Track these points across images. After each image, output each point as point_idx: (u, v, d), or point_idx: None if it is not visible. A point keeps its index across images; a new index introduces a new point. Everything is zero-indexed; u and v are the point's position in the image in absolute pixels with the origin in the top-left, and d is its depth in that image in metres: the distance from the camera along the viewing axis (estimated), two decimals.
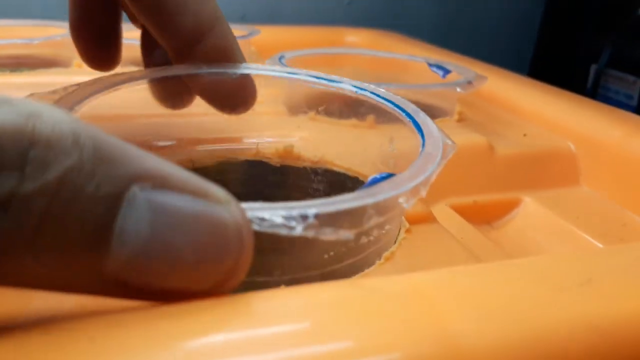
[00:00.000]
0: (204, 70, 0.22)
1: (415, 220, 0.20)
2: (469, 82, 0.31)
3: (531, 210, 0.28)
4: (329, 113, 0.30)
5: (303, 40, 0.53)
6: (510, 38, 0.70)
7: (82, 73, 0.39)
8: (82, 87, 0.20)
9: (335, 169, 0.24)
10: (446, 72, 0.35)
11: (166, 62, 0.22)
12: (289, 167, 0.25)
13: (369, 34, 0.53)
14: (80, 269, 0.10)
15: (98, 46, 0.24)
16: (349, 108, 0.29)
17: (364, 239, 0.17)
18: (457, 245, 0.20)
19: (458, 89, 0.30)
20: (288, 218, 0.13)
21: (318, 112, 0.30)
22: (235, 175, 0.25)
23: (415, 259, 0.18)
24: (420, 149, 0.19)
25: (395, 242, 0.18)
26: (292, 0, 0.60)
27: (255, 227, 0.13)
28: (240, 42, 0.43)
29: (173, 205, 0.11)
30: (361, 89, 0.23)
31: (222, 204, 0.12)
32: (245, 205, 0.13)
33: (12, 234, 0.09)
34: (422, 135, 0.20)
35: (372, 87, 0.23)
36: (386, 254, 0.18)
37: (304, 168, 0.25)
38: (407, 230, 0.19)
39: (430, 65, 0.36)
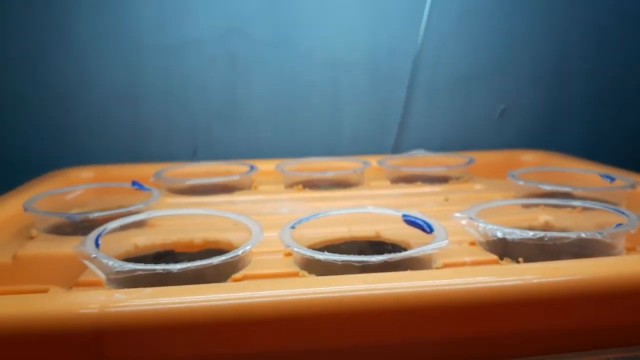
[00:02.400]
0: None
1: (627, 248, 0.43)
2: (632, 185, 0.55)
3: None
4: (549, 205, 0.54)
5: (494, 161, 0.79)
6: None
7: (365, 188, 0.67)
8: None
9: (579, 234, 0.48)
10: (612, 179, 0.59)
11: None
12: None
13: (539, 155, 0.79)
14: None
15: None
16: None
17: (614, 252, 0.41)
18: None
19: (621, 189, 0.54)
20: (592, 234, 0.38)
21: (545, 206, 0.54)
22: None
23: None
24: (627, 219, 0.43)
25: None
26: (476, 131, 0.88)
27: (598, 237, 0.38)
28: (465, 168, 0.69)
29: None
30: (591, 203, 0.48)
31: None
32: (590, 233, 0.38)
33: None
34: (626, 214, 0.44)
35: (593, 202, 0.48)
36: None
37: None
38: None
39: (601, 175, 0.60)
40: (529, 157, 0.79)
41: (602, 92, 0.90)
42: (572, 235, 0.39)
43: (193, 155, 0.83)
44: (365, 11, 0.82)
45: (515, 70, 0.87)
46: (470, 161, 0.71)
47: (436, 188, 0.66)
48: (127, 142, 0.82)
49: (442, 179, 0.70)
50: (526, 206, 0.56)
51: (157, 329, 0.30)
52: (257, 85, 0.83)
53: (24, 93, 0.80)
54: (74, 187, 0.62)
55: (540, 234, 0.39)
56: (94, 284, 0.39)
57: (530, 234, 0.39)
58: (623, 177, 0.59)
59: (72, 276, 0.42)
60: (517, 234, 0.40)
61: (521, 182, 0.57)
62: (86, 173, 0.74)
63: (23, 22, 0.77)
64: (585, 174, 0.64)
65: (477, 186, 0.67)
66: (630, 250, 0.44)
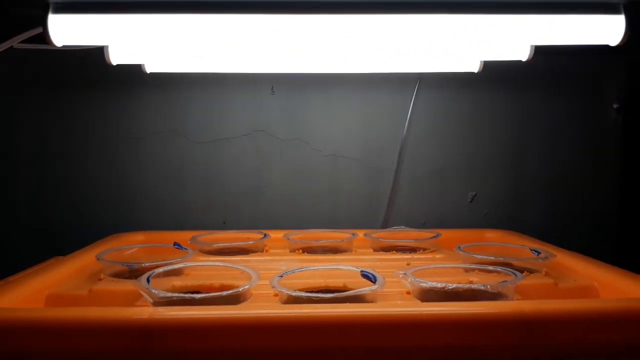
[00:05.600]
0: None
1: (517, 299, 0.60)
2: (547, 257, 0.72)
3: None
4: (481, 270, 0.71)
5: (462, 237, 0.96)
6: (592, 234, 1.08)
7: (352, 254, 0.86)
8: None
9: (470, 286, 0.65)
10: (539, 253, 0.76)
11: None
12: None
13: (499, 233, 0.96)
14: None
15: None
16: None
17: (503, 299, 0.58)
18: None
19: (541, 260, 0.71)
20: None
21: (479, 271, 0.71)
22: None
23: None
24: (515, 278, 0.60)
25: None
26: (448, 212, 1.06)
27: (482, 288, 0.55)
28: (431, 241, 0.87)
29: None
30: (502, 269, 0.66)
31: None
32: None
33: None
34: (517, 276, 0.61)
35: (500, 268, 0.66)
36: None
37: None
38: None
39: (531, 250, 0.77)
40: (492, 235, 0.96)
41: (554, 181, 1.08)
42: (465, 286, 0.56)
43: (223, 225, 1.05)
44: (360, 118, 1.05)
45: (481, 163, 1.06)
46: (437, 235, 0.89)
47: (406, 256, 0.84)
48: (173, 214, 1.05)
49: (413, 249, 0.88)
50: (466, 270, 0.73)
51: (184, 329, 0.50)
52: (276, 172, 1.05)
53: (98, 175, 1.04)
54: (130, 246, 0.84)
55: (443, 284, 0.57)
56: (145, 306, 0.59)
57: (438, 285, 0.57)
58: (546, 252, 0.76)
59: (128, 304, 0.62)
60: (429, 284, 0.58)
61: (462, 253, 0.75)
62: (139, 236, 0.96)
63: (103, 118, 1.03)
64: (522, 248, 0.81)
65: (439, 255, 0.84)
66: (519, 299, 0.60)
